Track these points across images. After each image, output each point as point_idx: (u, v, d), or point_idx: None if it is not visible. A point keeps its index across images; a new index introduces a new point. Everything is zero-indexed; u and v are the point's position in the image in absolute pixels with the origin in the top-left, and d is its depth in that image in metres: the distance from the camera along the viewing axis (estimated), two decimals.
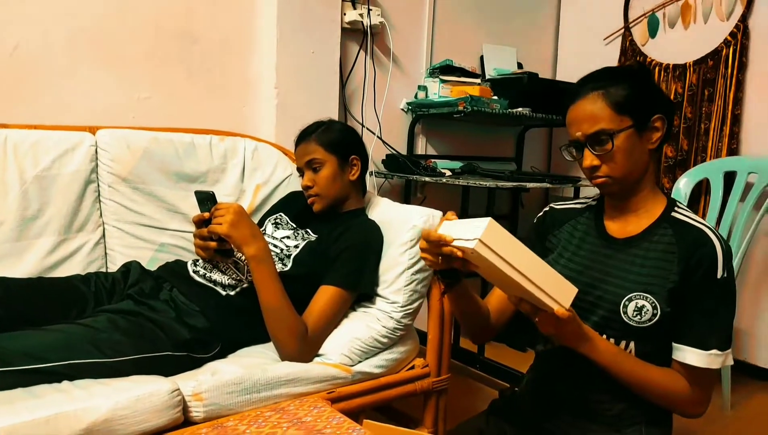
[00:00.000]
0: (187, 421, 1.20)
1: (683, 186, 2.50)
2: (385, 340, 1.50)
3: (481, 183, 2.19)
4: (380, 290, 1.55)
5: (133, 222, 1.71)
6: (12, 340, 1.16)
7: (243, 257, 1.43)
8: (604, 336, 1.08)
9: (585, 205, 1.23)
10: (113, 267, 1.65)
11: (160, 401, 1.14)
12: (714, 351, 1.02)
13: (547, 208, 1.28)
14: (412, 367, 1.58)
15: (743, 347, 2.58)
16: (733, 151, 2.52)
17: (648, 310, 1.04)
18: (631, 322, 1.05)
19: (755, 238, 2.41)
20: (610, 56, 2.94)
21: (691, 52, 2.66)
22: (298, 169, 1.65)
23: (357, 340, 1.45)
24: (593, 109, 1.04)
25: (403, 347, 1.56)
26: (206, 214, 1.40)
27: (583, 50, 3.07)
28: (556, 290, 0.95)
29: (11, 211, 1.52)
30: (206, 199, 1.42)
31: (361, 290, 1.52)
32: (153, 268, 1.57)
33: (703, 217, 2.52)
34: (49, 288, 1.40)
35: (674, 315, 1.04)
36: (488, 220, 0.91)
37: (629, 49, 2.88)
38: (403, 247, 1.53)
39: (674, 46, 2.73)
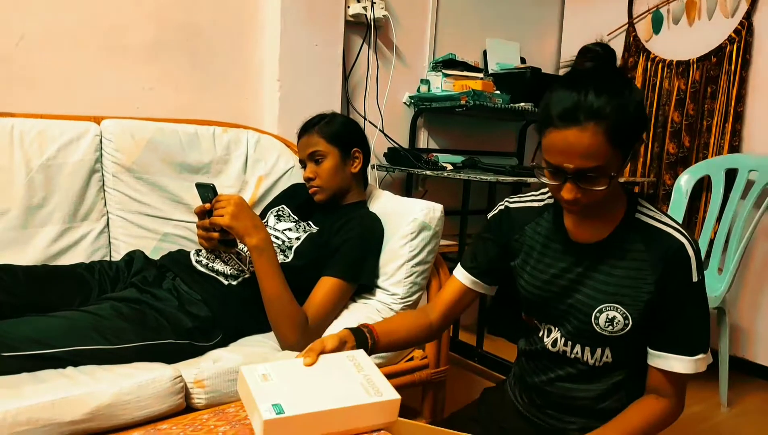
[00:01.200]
0: (189, 407, 1.22)
1: (684, 183, 2.51)
2: None
3: (482, 177, 2.20)
4: (380, 282, 1.57)
5: (136, 211, 1.72)
6: (18, 325, 1.18)
7: (245, 248, 1.45)
8: (578, 345, 1.07)
9: (542, 202, 1.14)
10: (117, 256, 1.67)
11: (163, 387, 1.16)
12: (700, 355, 1.00)
13: (502, 207, 1.18)
14: (411, 359, 1.60)
15: (742, 344, 2.59)
16: (735, 148, 2.52)
17: (619, 320, 1.01)
18: (604, 332, 1.03)
19: (755, 236, 2.42)
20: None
21: (694, 48, 2.66)
22: (301, 161, 1.66)
23: None
24: (591, 145, 0.89)
25: None
26: (207, 205, 1.42)
27: (586, 44, 3.06)
28: (373, 418, 0.96)
29: (17, 199, 1.54)
30: (207, 191, 1.43)
31: (362, 281, 1.53)
32: (156, 257, 1.59)
33: (704, 214, 2.53)
34: (54, 275, 1.42)
35: (649, 324, 1.02)
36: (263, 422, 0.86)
37: (633, 44, 2.88)
38: (403, 240, 1.55)
39: (678, 43, 2.73)
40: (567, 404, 1.13)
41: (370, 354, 1.04)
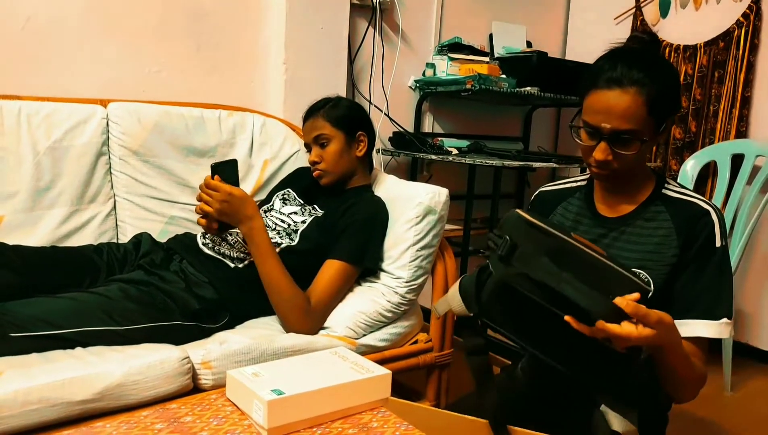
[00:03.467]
0: (196, 388, 1.24)
1: (690, 168, 2.50)
2: (389, 315, 1.53)
3: (488, 162, 2.20)
4: (385, 266, 1.58)
5: (143, 194, 1.73)
6: (27, 306, 1.20)
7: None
8: None
9: (575, 184, 1.21)
10: (124, 238, 1.68)
11: (171, 368, 1.17)
12: (724, 320, 1.01)
13: (537, 193, 1.26)
14: (416, 342, 1.61)
15: (746, 330, 2.60)
16: (742, 133, 2.51)
17: None
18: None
19: (760, 222, 2.41)
20: (620, 36, 2.90)
21: (702, 33, 2.64)
22: (306, 145, 1.66)
23: (362, 313, 1.48)
24: (630, 107, 0.97)
25: (407, 322, 1.59)
26: (217, 180, 1.41)
27: (593, 30, 3.04)
28: (367, 395, 0.99)
29: (25, 182, 1.55)
30: (227, 167, 1.44)
31: (366, 265, 1.54)
32: (163, 240, 1.60)
33: (710, 199, 2.52)
34: (62, 257, 1.43)
35: (671, 294, 1.03)
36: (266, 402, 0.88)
37: (640, 29, 2.85)
38: (408, 224, 1.55)
39: (685, 27, 2.71)
40: (580, 388, 1.12)
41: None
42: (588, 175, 1.19)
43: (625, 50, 1.05)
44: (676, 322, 1.02)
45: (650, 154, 2.80)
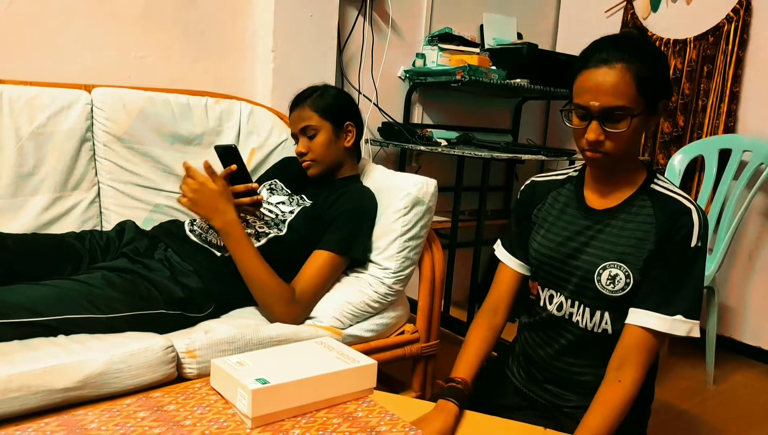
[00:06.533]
0: (180, 377, 1.23)
1: (678, 162, 2.51)
2: (376, 305, 1.52)
3: (477, 153, 2.20)
4: (373, 256, 1.57)
5: (128, 182, 1.71)
6: (8, 293, 1.18)
7: (255, 222, 1.48)
8: (577, 304, 1.11)
9: (566, 175, 1.22)
10: (108, 226, 1.66)
11: (155, 357, 1.16)
12: (679, 317, 1.01)
13: (528, 182, 1.26)
14: (402, 333, 1.61)
15: (730, 324, 2.63)
16: (730, 128, 2.52)
17: (621, 278, 1.05)
18: (604, 291, 1.06)
19: (746, 216, 2.44)
20: (610, 29, 2.90)
21: (692, 27, 2.65)
22: (293, 135, 1.64)
23: (348, 304, 1.48)
24: (619, 83, 0.98)
25: (394, 313, 1.59)
26: (234, 167, 1.42)
27: (583, 22, 3.04)
28: (353, 385, 1.01)
29: (7, 167, 1.52)
30: (228, 153, 1.43)
31: (354, 256, 1.53)
32: (147, 228, 1.59)
33: (696, 194, 2.54)
34: (43, 244, 1.41)
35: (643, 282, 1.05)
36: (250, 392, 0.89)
37: (630, 22, 2.86)
38: (396, 215, 1.55)
39: (675, 21, 2.71)
40: (567, 379, 1.14)
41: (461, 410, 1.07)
42: (581, 166, 1.20)
43: (615, 35, 1.07)
44: (630, 309, 1.05)
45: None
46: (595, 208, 1.12)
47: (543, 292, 1.17)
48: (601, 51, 1.00)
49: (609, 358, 1.06)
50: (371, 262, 1.57)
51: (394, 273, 1.54)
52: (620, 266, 1.05)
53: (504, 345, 1.31)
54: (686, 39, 2.65)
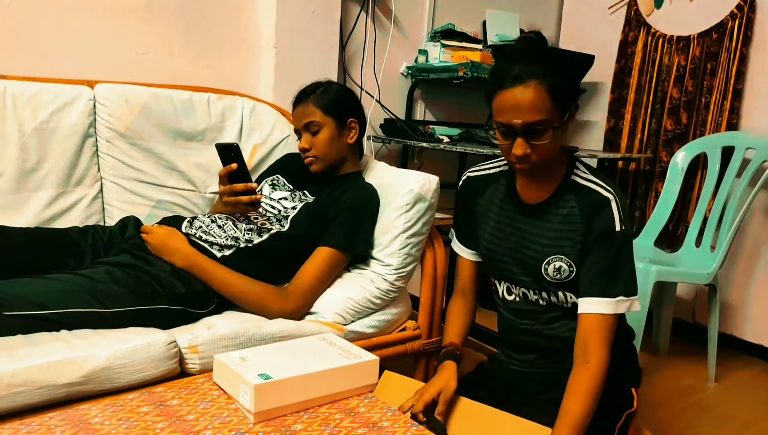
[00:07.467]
0: (183, 372, 1.23)
1: (680, 160, 2.51)
2: (378, 302, 1.52)
3: (479, 150, 2.19)
4: (375, 253, 1.57)
5: (130, 178, 1.71)
6: (11, 286, 1.18)
7: (258, 218, 1.52)
8: (530, 291, 1.21)
9: (498, 169, 1.28)
10: (111, 222, 1.66)
11: (158, 352, 1.17)
12: (620, 297, 1.10)
13: (465, 177, 1.33)
14: (404, 329, 1.62)
15: (731, 322, 2.62)
16: (733, 126, 2.51)
17: (565, 269, 1.15)
18: (554, 281, 1.17)
19: (749, 214, 2.43)
20: (614, 26, 2.90)
21: (696, 24, 2.63)
22: (296, 131, 1.64)
23: (351, 300, 1.48)
24: (535, 99, 1.04)
25: (396, 309, 1.59)
26: (234, 166, 1.45)
27: (587, 19, 3.03)
28: (355, 380, 1.03)
29: (10, 163, 1.52)
30: (229, 151, 1.45)
31: (356, 252, 1.54)
32: (150, 224, 1.59)
33: (699, 192, 2.54)
34: (47, 238, 1.42)
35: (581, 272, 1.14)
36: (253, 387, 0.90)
37: (634, 19, 2.84)
38: (398, 211, 1.55)
39: (679, 18, 2.70)
40: (547, 351, 1.23)
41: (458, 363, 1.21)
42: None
43: (519, 50, 1.12)
44: (579, 299, 1.14)
45: (641, 145, 2.81)
46: (527, 202, 1.20)
47: (500, 284, 1.27)
48: (512, 68, 1.05)
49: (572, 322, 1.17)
50: (373, 258, 1.58)
51: (396, 269, 1.54)
52: (561, 258, 1.15)
53: (498, 339, 1.36)
54: (690, 36, 2.64)
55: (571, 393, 1.07)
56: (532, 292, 1.22)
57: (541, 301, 1.21)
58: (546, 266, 1.16)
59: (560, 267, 1.15)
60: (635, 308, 1.13)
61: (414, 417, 1.06)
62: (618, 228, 1.10)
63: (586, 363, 1.08)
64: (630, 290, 1.12)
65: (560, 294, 1.19)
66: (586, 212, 1.12)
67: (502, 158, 1.25)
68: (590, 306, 1.11)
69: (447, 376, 1.16)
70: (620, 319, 1.15)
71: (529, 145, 1.06)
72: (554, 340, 1.22)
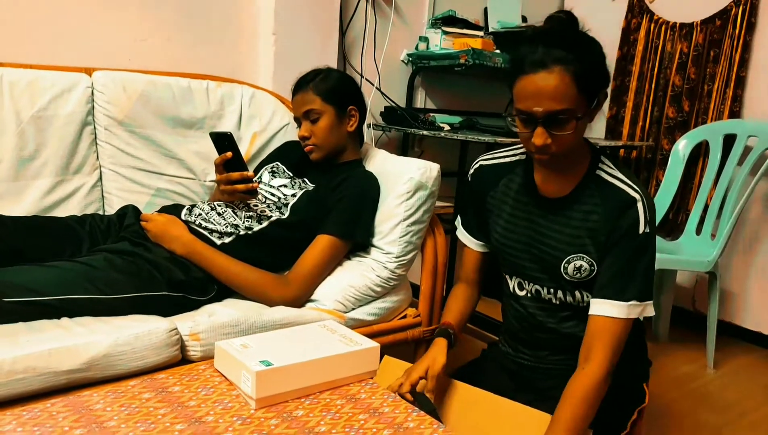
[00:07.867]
0: (184, 359, 1.23)
1: (682, 148, 2.50)
2: (378, 289, 1.52)
3: (480, 138, 2.18)
4: (375, 241, 1.57)
5: (129, 166, 1.71)
6: (8, 273, 1.18)
7: (257, 205, 1.51)
8: (544, 289, 1.17)
9: (515, 158, 1.21)
10: (110, 210, 1.66)
11: (159, 339, 1.17)
12: (632, 302, 1.05)
13: (476, 166, 1.26)
14: (404, 317, 1.62)
15: (731, 309, 2.63)
16: (735, 113, 2.50)
17: (586, 268, 1.10)
18: (572, 280, 1.12)
19: (750, 202, 2.43)
20: (616, 14, 2.88)
21: (699, 10, 2.61)
22: (295, 119, 1.63)
23: (351, 287, 1.48)
24: (558, 86, 0.97)
25: (396, 297, 1.59)
26: (229, 154, 1.46)
27: (589, 6, 3.00)
28: (356, 367, 1.02)
29: (8, 151, 1.52)
30: (224, 140, 1.45)
31: (356, 240, 1.53)
32: (149, 212, 1.58)
33: (701, 179, 2.53)
34: (44, 226, 1.41)
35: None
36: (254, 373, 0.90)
37: (636, 5, 2.82)
38: (399, 199, 1.54)
39: (682, 4, 2.68)
40: (554, 342, 1.20)
41: (451, 348, 1.18)
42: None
43: (544, 31, 1.03)
44: (591, 299, 1.09)
45: (642, 133, 2.80)
46: (547, 196, 1.13)
47: (511, 280, 1.23)
48: (534, 52, 0.98)
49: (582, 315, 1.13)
50: (374, 246, 1.57)
51: (396, 257, 1.54)
52: (583, 257, 1.10)
53: (499, 327, 1.35)
54: (693, 23, 2.62)
55: (565, 399, 1.03)
56: (545, 290, 1.17)
57: (554, 300, 1.17)
58: (566, 265, 1.11)
59: (581, 266, 1.10)
60: (648, 313, 1.07)
61: (402, 396, 1.04)
62: (642, 229, 1.05)
63: (585, 368, 1.04)
64: (644, 295, 1.06)
65: (576, 293, 1.14)
66: (612, 211, 1.06)
67: (519, 146, 1.18)
68: (601, 308, 1.06)
69: (434, 352, 1.15)
70: (634, 323, 1.08)
71: (550, 135, 1.00)
72: (567, 337, 1.17)
